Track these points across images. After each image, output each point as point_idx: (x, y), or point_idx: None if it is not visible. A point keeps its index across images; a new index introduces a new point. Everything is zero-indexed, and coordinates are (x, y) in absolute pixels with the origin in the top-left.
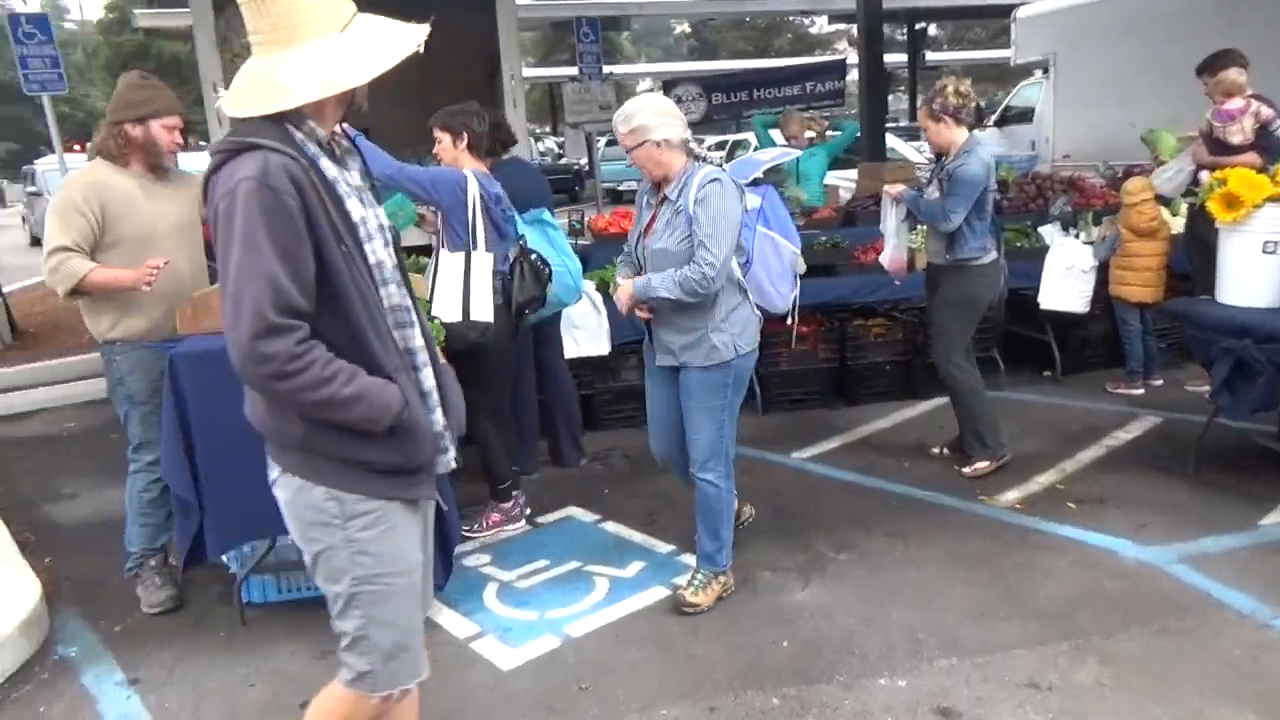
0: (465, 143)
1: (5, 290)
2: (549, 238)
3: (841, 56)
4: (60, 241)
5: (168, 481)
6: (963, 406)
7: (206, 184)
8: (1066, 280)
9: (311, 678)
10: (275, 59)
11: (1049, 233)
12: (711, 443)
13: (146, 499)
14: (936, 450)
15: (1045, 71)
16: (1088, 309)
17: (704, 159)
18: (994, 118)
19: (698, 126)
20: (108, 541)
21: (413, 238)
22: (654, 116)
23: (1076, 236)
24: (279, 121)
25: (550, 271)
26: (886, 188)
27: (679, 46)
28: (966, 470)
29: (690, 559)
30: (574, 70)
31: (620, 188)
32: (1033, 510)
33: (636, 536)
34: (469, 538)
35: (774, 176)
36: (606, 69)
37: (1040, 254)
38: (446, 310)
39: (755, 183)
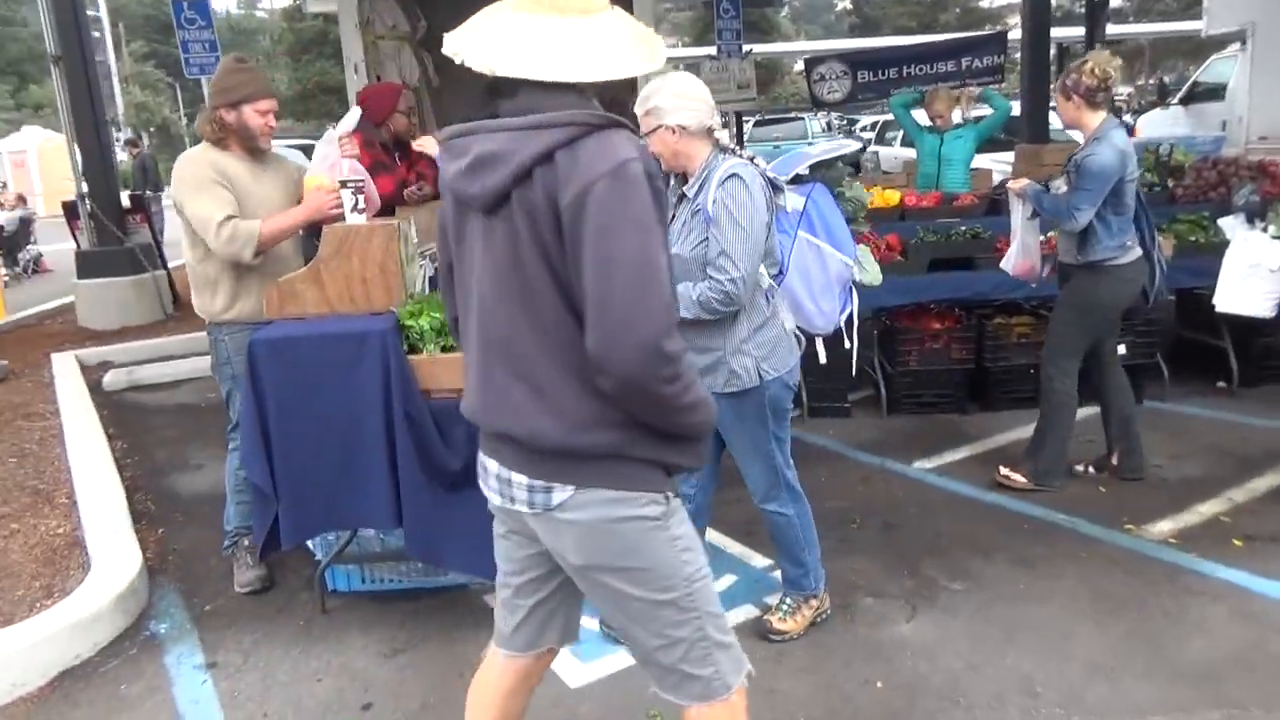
0: None
1: (171, 265)
2: None
3: (1002, 29)
4: (223, 212)
5: (244, 468)
6: (1045, 417)
7: (534, 160)
8: (1250, 280)
9: (377, 677)
10: (574, 23)
11: (1230, 225)
12: (764, 476)
13: (242, 477)
14: (1081, 468)
15: (1241, 44)
16: (1274, 313)
17: (732, 150)
18: (1179, 95)
19: (841, 106)
20: (220, 517)
21: None
22: (673, 98)
23: (1264, 230)
24: (586, 95)
25: None
26: (1010, 183)
27: (839, 24)
28: (1002, 470)
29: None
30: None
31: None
32: (1189, 546)
33: (733, 547)
34: None
35: (829, 173)
36: (747, 46)
37: (1219, 249)
38: None
39: (799, 179)
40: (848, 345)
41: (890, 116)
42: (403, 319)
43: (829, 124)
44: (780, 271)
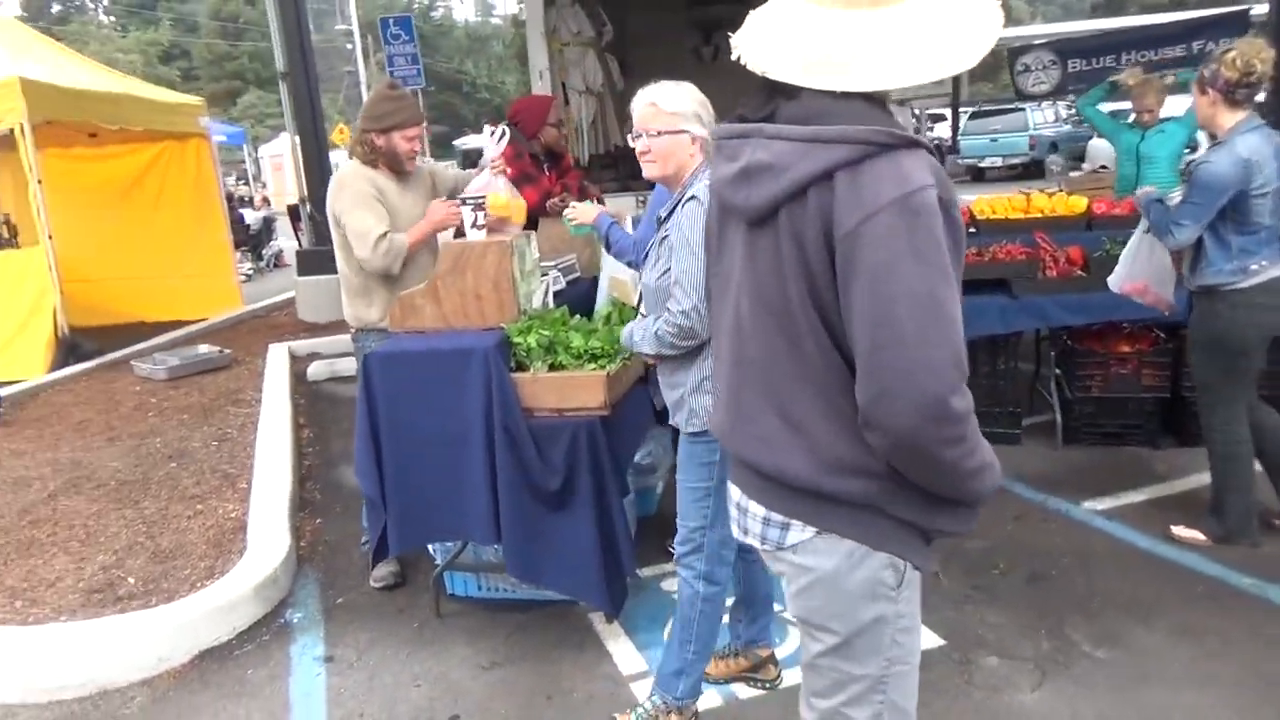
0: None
1: None
2: None
3: (1245, 7)
4: (381, 228)
5: (358, 477)
6: (1215, 471)
7: (809, 179)
8: None
9: (470, 690)
10: (862, 18)
11: None
12: (692, 530)
13: None
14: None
15: None
16: None
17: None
18: None
19: (1049, 98)
20: None
21: None
22: (699, 107)
23: None
24: (877, 103)
25: None
26: (1138, 191)
27: (1080, 3)
28: (1176, 531)
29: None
30: None
31: (982, 164)
32: None
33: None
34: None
35: None
36: None
37: None
38: None
39: None
40: None
41: (1115, 106)
42: (511, 335)
43: (1057, 114)
44: None
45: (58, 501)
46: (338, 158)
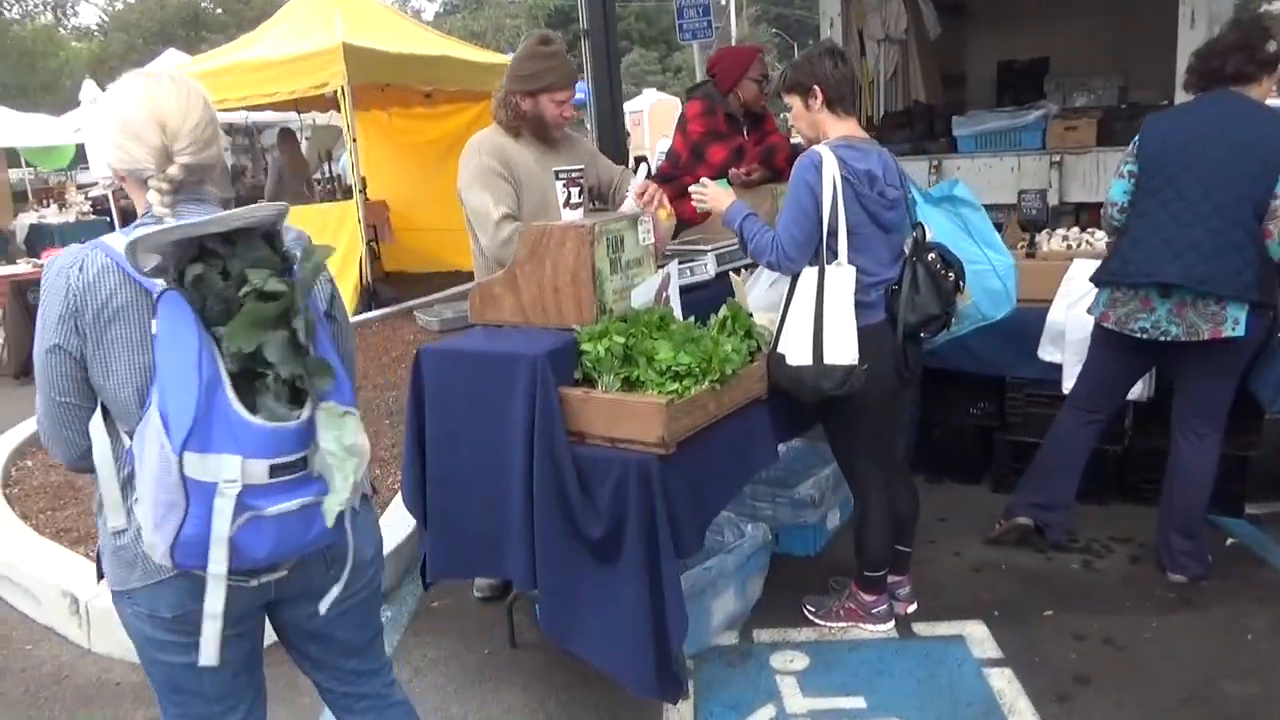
0: (820, 99)
1: None
2: (965, 224)
3: None
4: (503, 210)
5: (402, 491)
6: None
7: None
8: None
9: None
10: None
11: None
12: None
13: None
14: None
15: None
16: None
17: None
18: None
19: None
20: None
21: None
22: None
23: None
24: None
25: (961, 274)
26: None
27: None
28: None
29: None
30: None
31: None
32: None
33: (1032, 714)
34: (812, 621)
35: None
36: None
37: None
38: (793, 350)
39: None
40: None
41: None
42: (581, 340)
43: None
44: None
45: None
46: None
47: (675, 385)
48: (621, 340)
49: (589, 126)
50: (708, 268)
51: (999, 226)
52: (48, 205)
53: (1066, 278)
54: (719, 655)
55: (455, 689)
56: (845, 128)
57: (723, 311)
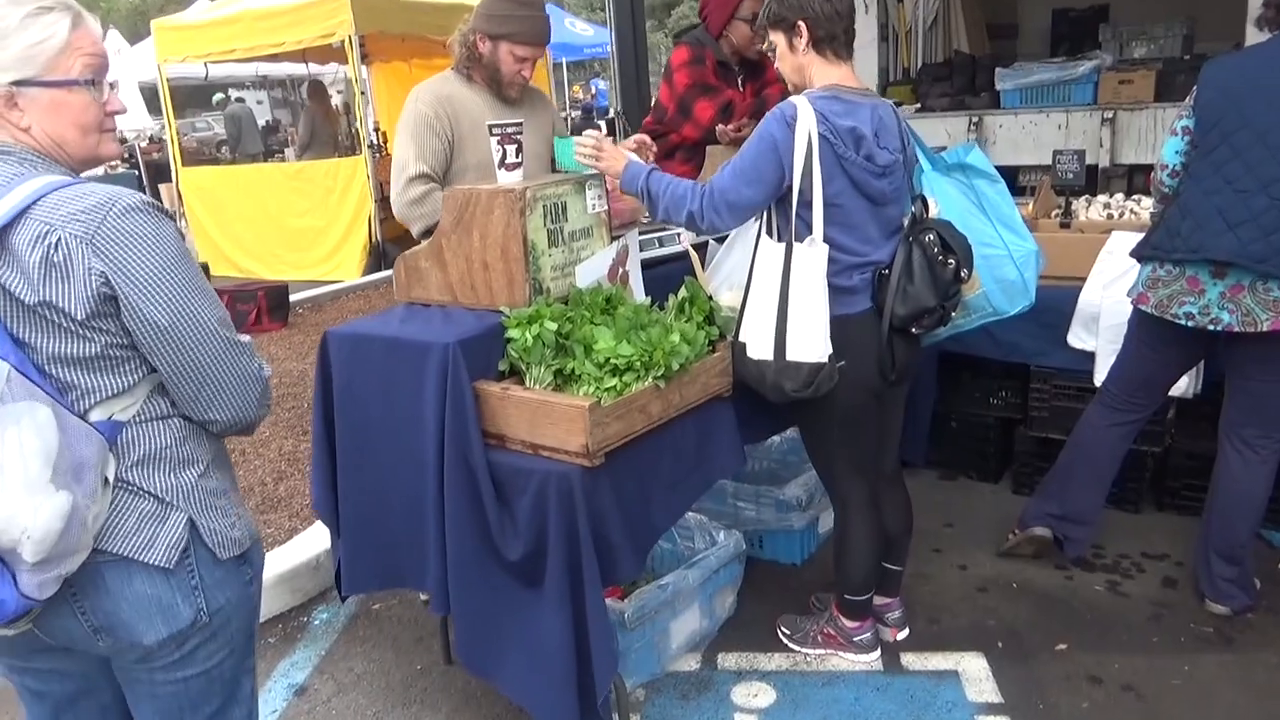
0: (806, 38)
1: None
2: (980, 199)
3: None
4: (421, 167)
5: (311, 493)
6: None
7: None
8: None
9: None
10: None
11: None
12: None
13: None
14: None
15: None
16: None
17: None
18: None
19: None
20: None
21: None
22: None
23: None
24: None
25: (964, 260)
26: None
27: None
28: None
29: None
30: None
31: None
32: None
33: None
34: (786, 646)
35: None
36: None
37: None
38: (754, 341)
39: None
40: None
41: None
42: (508, 326)
43: None
44: None
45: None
46: None
47: (614, 381)
48: (554, 326)
49: (613, 84)
50: (681, 237)
51: (1026, 191)
52: None
53: (1104, 252)
54: (674, 685)
55: (374, 713)
56: (835, 74)
57: (681, 292)
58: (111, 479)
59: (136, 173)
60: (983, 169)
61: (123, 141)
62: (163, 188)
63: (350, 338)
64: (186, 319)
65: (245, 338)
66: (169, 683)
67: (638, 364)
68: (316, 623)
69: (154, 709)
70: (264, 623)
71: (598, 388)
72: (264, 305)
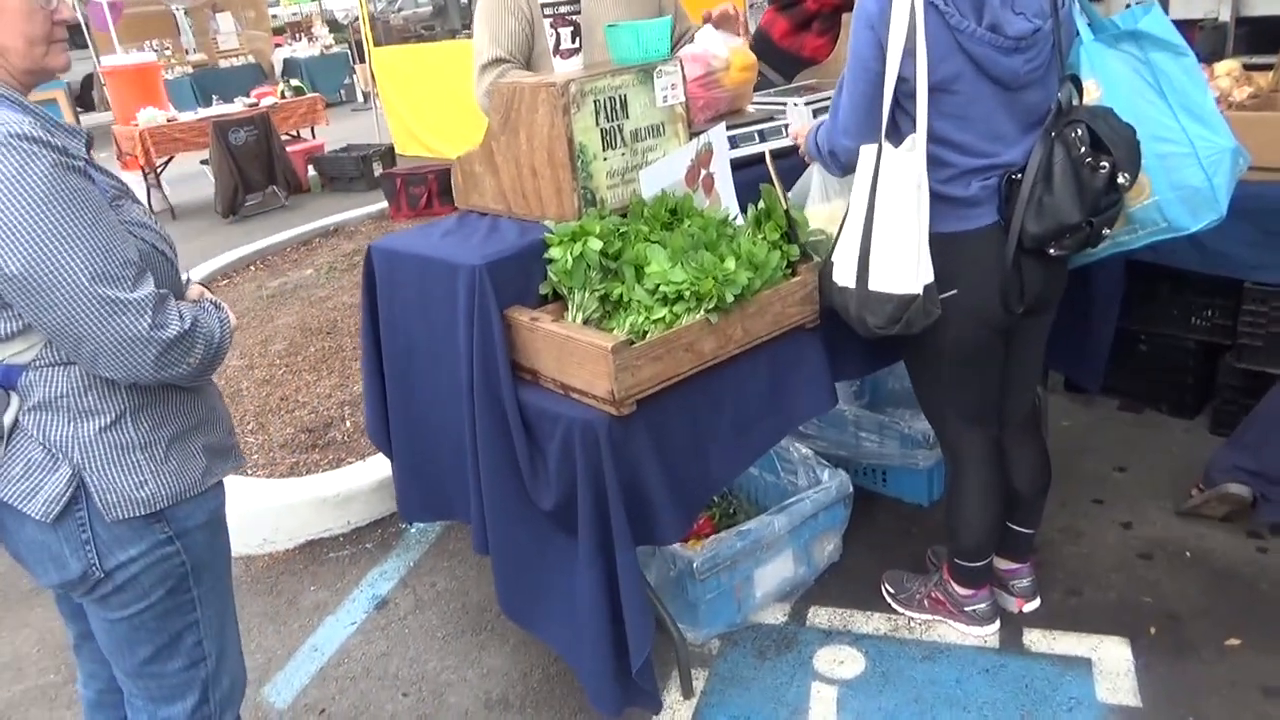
0: None
1: None
2: (1157, 79)
3: None
4: (493, 52)
5: (365, 417)
6: None
7: None
8: None
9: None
10: None
11: None
12: None
13: None
14: None
15: None
16: None
17: None
18: None
19: None
20: None
21: None
22: None
23: None
24: None
25: (1125, 162)
26: None
27: None
28: None
29: None
30: None
31: None
32: None
33: None
34: (893, 608)
35: None
36: None
37: None
38: (841, 263)
39: None
40: None
41: None
42: (550, 244)
43: None
44: None
45: (310, 341)
46: None
47: (663, 311)
48: (598, 245)
49: None
50: (787, 130)
51: (1215, 58)
52: (298, 39)
53: None
54: (754, 639)
55: (444, 636)
56: None
57: (761, 204)
58: (7, 423)
59: (347, 52)
60: (1163, 37)
61: (334, 23)
62: (358, 68)
63: (389, 254)
64: (44, 270)
65: (143, 293)
66: (101, 620)
67: (688, 293)
68: (413, 530)
69: (101, 641)
70: (362, 528)
71: (646, 318)
72: (434, 189)
